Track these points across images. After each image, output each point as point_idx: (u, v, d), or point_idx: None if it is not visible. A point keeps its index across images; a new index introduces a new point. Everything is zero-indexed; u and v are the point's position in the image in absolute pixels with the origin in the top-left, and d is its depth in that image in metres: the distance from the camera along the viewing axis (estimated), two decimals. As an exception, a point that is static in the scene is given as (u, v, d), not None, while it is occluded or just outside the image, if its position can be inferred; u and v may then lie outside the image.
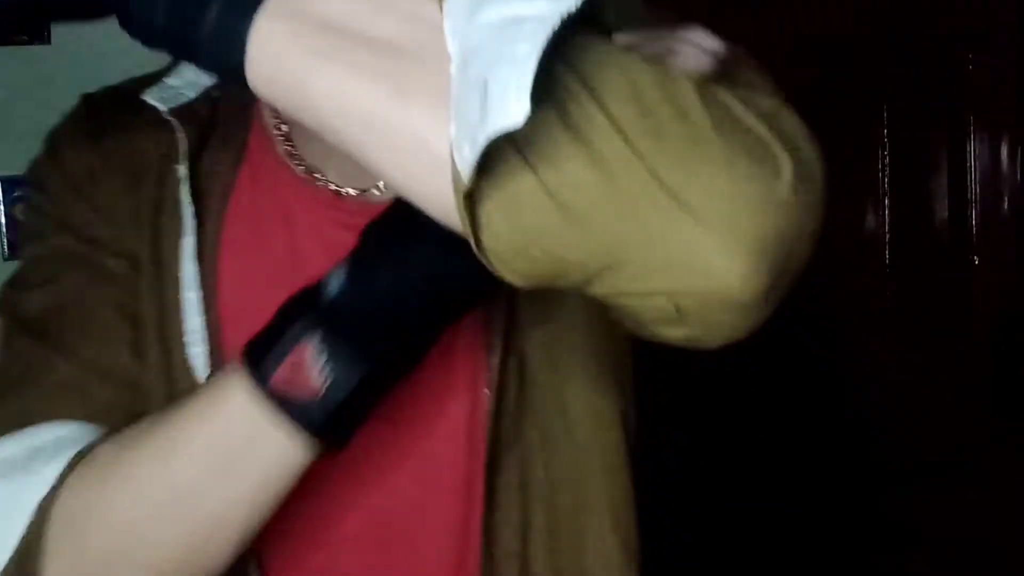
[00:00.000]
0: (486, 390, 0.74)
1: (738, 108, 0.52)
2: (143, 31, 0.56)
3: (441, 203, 0.51)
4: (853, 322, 2.32)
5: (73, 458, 0.67)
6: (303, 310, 0.63)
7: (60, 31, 2.07)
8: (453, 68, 0.51)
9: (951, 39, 2.28)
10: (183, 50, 0.56)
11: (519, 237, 0.50)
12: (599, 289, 0.52)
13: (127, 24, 0.56)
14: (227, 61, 0.54)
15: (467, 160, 0.49)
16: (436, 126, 0.51)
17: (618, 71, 0.50)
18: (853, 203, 2.30)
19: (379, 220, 0.64)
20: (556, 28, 0.49)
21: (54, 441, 0.69)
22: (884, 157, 2.34)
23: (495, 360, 0.73)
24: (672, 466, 1.87)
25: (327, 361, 0.61)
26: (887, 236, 2.34)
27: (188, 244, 0.74)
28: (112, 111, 0.80)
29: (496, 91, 0.49)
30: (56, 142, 0.79)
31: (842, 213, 2.27)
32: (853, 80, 2.29)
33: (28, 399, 0.72)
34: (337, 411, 0.62)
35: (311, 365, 0.61)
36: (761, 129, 0.51)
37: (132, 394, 0.74)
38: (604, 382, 0.78)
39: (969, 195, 2.31)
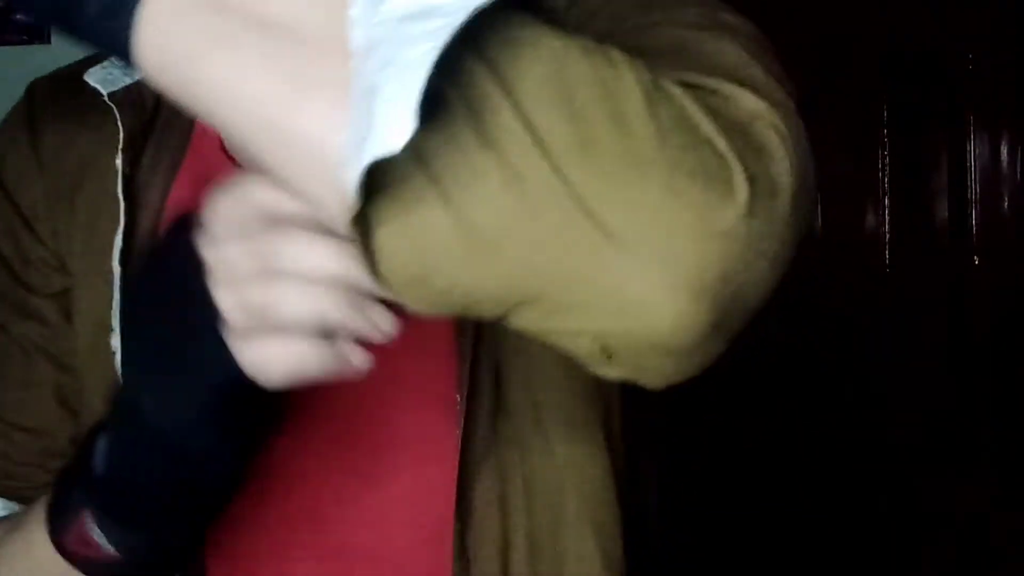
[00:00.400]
0: (457, 396, 0.68)
1: (695, 113, 0.43)
2: (26, 4, 0.51)
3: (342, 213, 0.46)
4: (853, 322, 2.32)
5: None
6: (79, 478, 0.60)
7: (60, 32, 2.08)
8: (352, 65, 0.44)
9: (951, 39, 2.28)
10: (70, 26, 0.49)
11: (419, 267, 0.43)
12: (517, 323, 0.45)
13: None
14: (115, 41, 0.48)
15: (352, 180, 0.43)
16: (333, 126, 0.44)
17: (544, 64, 0.41)
18: (853, 203, 2.30)
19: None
20: (466, 23, 0.42)
21: None
22: (884, 157, 2.33)
23: (466, 368, 0.68)
24: (669, 470, 1.87)
25: (107, 535, 0.59)
26: (887, 236, 2.34)
27: (118, 241, 0.70)
28: (54, 99, 0.76)
29: (383, 102, 0.42)
30: None
31: (842, 213, 2.27)
32: (853, 80, 2.29)
33: None
34: (146, 567, 0.61)
35: (95, 536, 0.59)
36: (719, 142, 0.43)
37: (42, 445, 0.73)
38: (584, 394, 0.72)
39: (969, 195, 2.31)
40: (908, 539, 2.28)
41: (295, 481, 0.70)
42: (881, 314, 2.32)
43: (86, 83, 0.73)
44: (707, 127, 0.43)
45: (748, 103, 0.46)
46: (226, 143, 0.73)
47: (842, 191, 2.26)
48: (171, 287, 0.53)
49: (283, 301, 0.50)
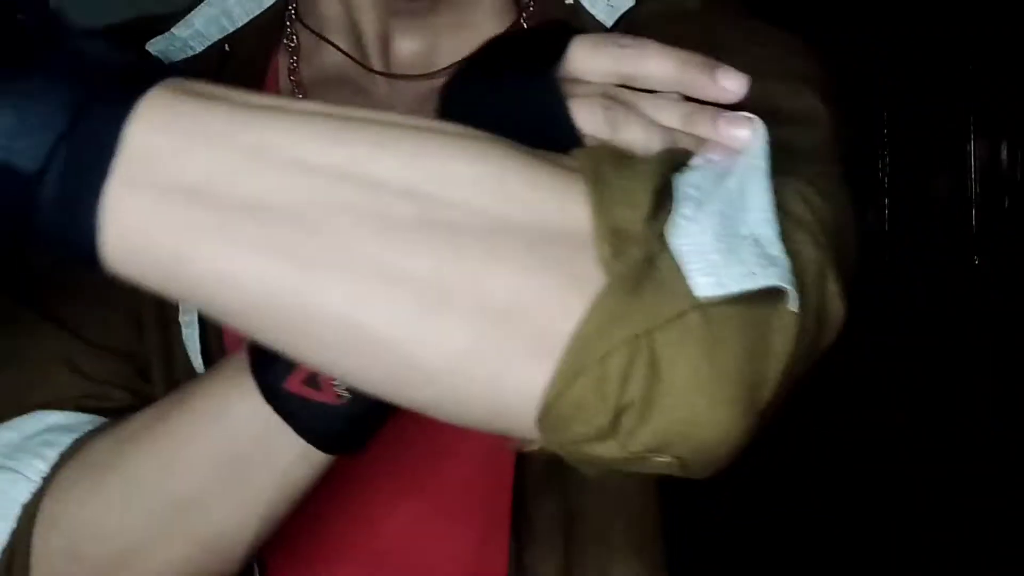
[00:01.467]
0: None
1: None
2: None
3: (395, 387, 0.46)
4: (853, 322, 2.31)
5: (62, 456, 0.63)
6: None
7: (60, 31, 2.08)
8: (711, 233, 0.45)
9: (951, 39, 2.28)
10: (16, 235, 0.44)
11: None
12: (607, 449, 0.46)
13: None
14: (75, 244, 0.43)
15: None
16: (362, 301, 0.43)
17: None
18: (853, 203, 2.30)
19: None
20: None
21: (41, 432, 0.65)
22: (884, 157, 2.33)
23: None
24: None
25: None
26: (887, 236, 2.34)
27: None
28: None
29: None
30: None
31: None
32: (853, 80, 2.29)
33: (16, 373, 0.67)
34: (360, 416, 0.57)
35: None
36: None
37: (130, 368, 0.69)
38: None
39: (969, 195, 2.31)
40: (908, 539, 2.28)
41: (351, 486, 0.70)
42: (881, 314, 2.32)
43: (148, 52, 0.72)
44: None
45: (809, 253, 0.48)
46: None
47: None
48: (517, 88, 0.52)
49: (627, 133, 0.50)
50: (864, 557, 2.29)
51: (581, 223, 0.44)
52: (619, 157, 0.47)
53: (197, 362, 0.69)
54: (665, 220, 0.44)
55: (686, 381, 0.43)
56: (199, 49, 0.74)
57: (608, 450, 0.45)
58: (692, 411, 0.44)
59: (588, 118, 0.50)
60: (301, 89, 0.75)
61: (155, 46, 0.73)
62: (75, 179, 0.42)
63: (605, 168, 0.46)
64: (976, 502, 2.25)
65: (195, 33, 0.75)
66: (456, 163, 0.44)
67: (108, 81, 0.43)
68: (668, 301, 0.43)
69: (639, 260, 0.43)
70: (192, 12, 0.76)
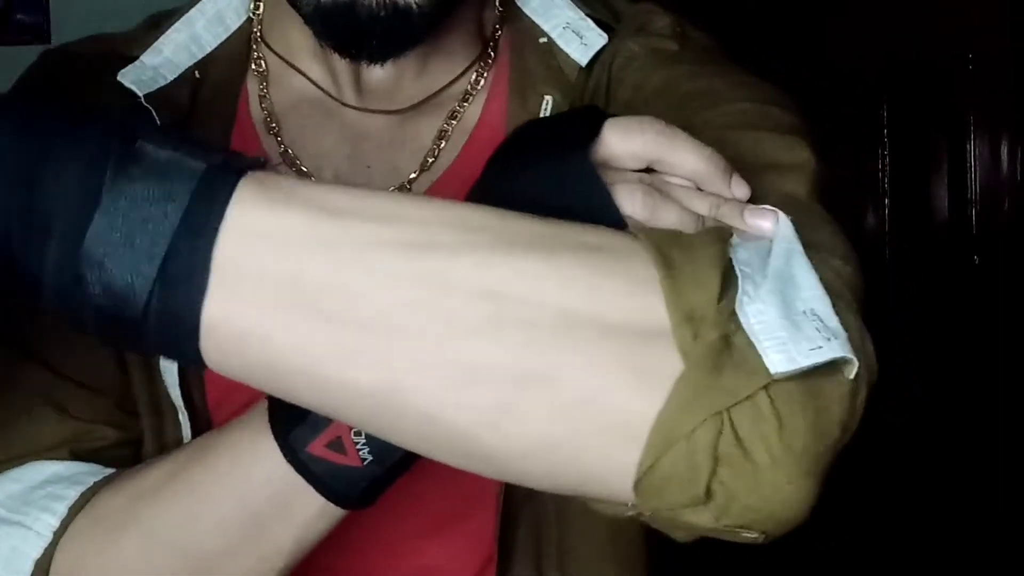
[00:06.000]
0: None
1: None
2: (69, 318, 0.47)
3: (484, 470, 0.50)
4: (853, 322, 2.32)
5: (70, 509, 0.63)
6: None
7: (60, 31, 2.08)
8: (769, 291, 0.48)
9: (951, 39, 2.28)
10: (122, 341, 0.48)
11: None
12: (692, 517, 0.49)
13: (43, 305, 0.47)
14: (177, 351, 0.47)
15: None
16: (445, 401, 0.46)
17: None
18: (853, 203, 2.30)
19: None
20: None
21: (44, 483, 0.65)
22: (884, 157, 2.34)
23: None
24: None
25: (370, 440, 0.57)
26: (887, 236, 2.34)
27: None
28: (78, 87, 0.74)
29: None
30: None
31: (842, 213, 2.27)
32: (853, 80, 2.29)
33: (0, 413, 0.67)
34: (381, 475, 0.59)
35: (351, 437, 0.57)
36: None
37: (115, 404, 0.70)
38: None
39: (969, 195, 2.31)
40: (907, 539, 2.28)
41: (384, 510, 0.70)
42: (881, 313, 2.32)
43: (120, 83, 0.72)
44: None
45: (851, 321, 0.51)
46: (266, 146, 0.73)
47: (842, 191, 2.26)
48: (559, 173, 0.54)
49: (665, 218, 0.52)
50: (859, 563, 2.29)
51: (652, 310, 0.47)
52: (678, 237, 0.49)
53: (175, 394, 0.70)
54: (732, 299, 0.47)
55: (764, 459, 0.46)
56: (171, 78, 0.74)
57: (702, 519, 0.47)
58: (773, 488, 0.47)
59: (628, 202, 0.52)
60: (273, 117, 0.75)
61: (127, 77, 0.72)
62: (174, 293, 0.45)
63: (673, 252, 0.48)
64: (976, 502, 2.25)
65: (165, 61, 0.74)
66: (526, 262, 0.47)
67: (198, 193, 0.46)
68: (746, 379, 0.46)
69: (716, 341, 0.46)
70: (160, 39, 0.75)
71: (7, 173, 0.45)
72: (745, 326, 0.46)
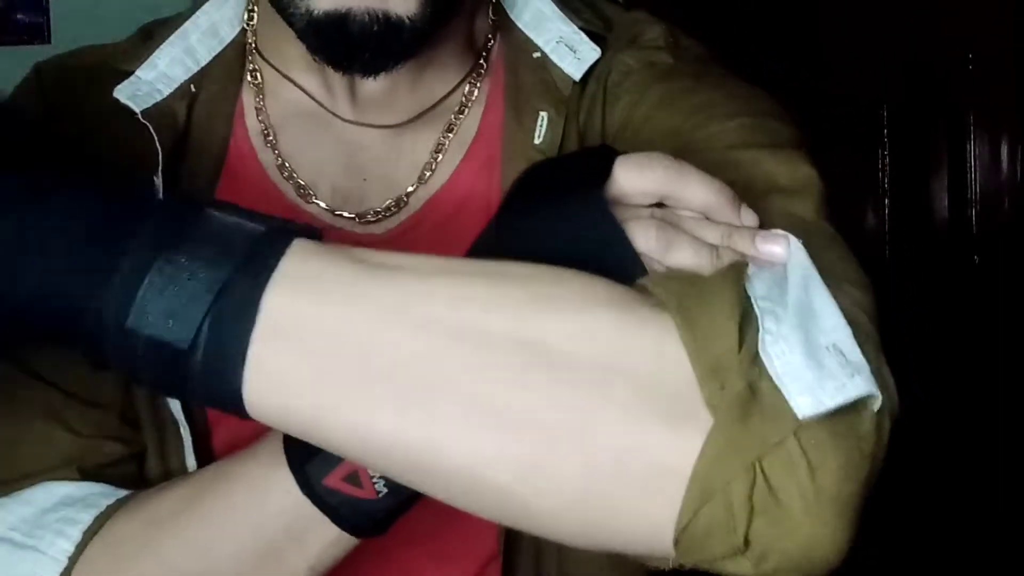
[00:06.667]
0: None
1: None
2: (127, 370, 0.50)
3: (523, 525, 0.50)
4: (853, 322, 2.32)
5: (85, 533, 0.63)
6: None
7: (60, 31, 2.08)
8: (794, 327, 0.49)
9: (951, 39, 2.28)
10: (167, 384, 0.50)
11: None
12: (741, 567, 0.50)
13: (101, 364, 0.50)
14: (221, 401, 0.49)
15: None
16: (483, 455, 0.48)
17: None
18: (853, 203, 2.30)
19: None
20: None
21: (56, 506, 0.65)
22: (884, 157, 2.34)
23: None
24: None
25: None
26: (887, 236, 2.34)
27: None
28: (73, 100, 0.74)
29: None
30: None
31: (842, 213, 2.27)
32: (853, 80, 2.29)
33: (4, 431, 0.67)
34: (396, 506, 0.60)
35: (367, 471, 0.58)
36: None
37: (119, 419, 0.70)
38: None
39: (969, 195, 2.31)
40: (906, 539, 2.28)
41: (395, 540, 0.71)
42: (881, 314, 2.32)
43: (117, 100, 0.72)
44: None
45: (870, 351, 0.53)
46: (263, 160, 0.74)
47: (842, 191, 2.26)
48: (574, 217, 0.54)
49: (679, 252, 0.53)
50: (859, 563, 2.29)
51: (680, 364, 0.48)
52: (694, 283, 0.50)
53: (176, 408, 0.70)
54: (753, 340, 0.48)
55: (798, 505, 0.47)
56: (167, 93, 0.74)
57: (741, 567, 0.48)
58: (809, 533, 0.48)
59: (643, 238, 0.53)
60: (269, 128, 0.75)
61: (123, 93, 0.72)
62: (221, 346, 0.47)
63: (688, 303, 0.49)
64: (976, 502, 2.25)
65: (160, 75, 0.74)
66: (557, 321, 0.48)
67: (247, 253, 0.48)
68: (774, 426, 0.47)
69: (742, 391, 0.47)
70: (155, 53, 0.75)
71: (69, 229, 0.47)
72: (769, 369, 0.47)
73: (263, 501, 0.60)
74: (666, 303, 0.49)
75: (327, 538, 0.60)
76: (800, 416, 0.46)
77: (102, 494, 0.66)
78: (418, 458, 0.48)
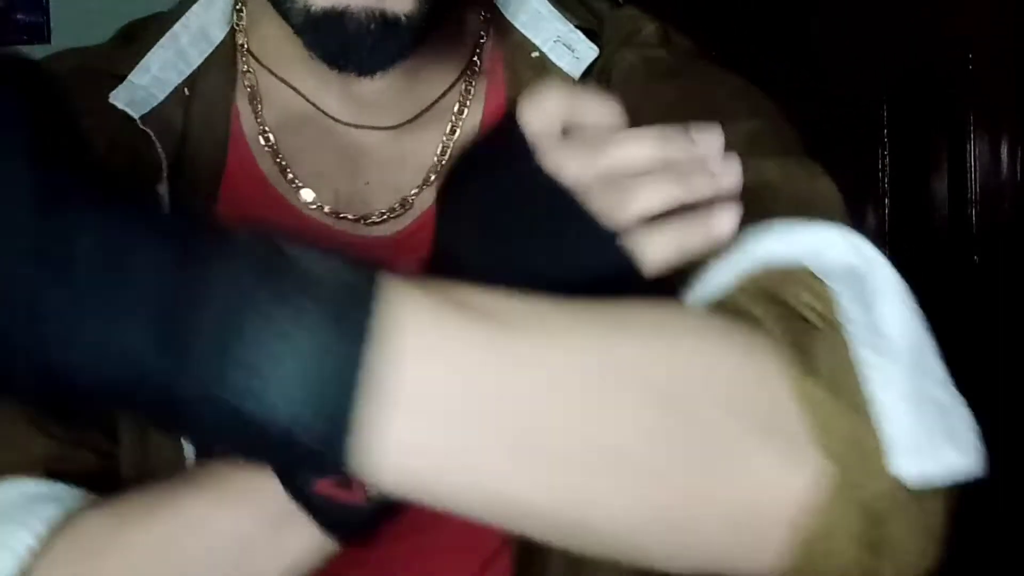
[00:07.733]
0: None
1: None
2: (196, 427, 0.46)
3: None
4: (853, 322, 2.31)
5: (51, 527, 0.61)
6: None
7: (60, 31, 2.08)
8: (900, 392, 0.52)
9: (951, 40, 2.28)
10: (264, 449, 0.46)
11: None
12: None
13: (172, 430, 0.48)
14: (336, 470, 0.45)
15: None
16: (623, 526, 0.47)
17: None
18: (853, 203, 2.30)
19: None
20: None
21: (21, 501, 0.63)
22: (884, 157, 2.33)
23: None
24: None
25: None
26: (887, 236, 2.34)
27: None
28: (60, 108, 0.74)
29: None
30: None
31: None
32: (853, 80, 2.29)
33: None
34: (383, 510, 0.57)
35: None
36: None
37: (99, 430, 0.68)
38: None
39: (969, 195, 2.31)
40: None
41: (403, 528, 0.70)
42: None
43: (111, 105, 0.71)
44: None
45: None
46: (262, 164, 0.73)
47: (842, 191, 2.26)
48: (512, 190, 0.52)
49: (633, 199, 0.51)
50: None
51: (788, 404, 0.48)
52: (808, 332, 0.51)
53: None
54: (851, 370, 0.50)
55: (905, 543, 0.51)
56: (162, 97, 0.73)
57: None
58: (912, 570, 0.53)
59: (597, 201, 0.51)
60: (267, 132, 0.74)
61: (119, 98, 0.71)
62: (332, 417, 0.43)
63: (803, 339, 0.50)
64: (976, 502, 2.24)
65: (154, 80, 0.73)
66: (676, 374, 0.47)
67: (346, 312, 0.43)
68: (876, 477, 0.49)
69: (847, 436, 0.48)
70: (146, 56, 0.74)
71: (139, 282, 0.41)
72: (874, 423, 0.49)
73: (243, 496, 0.58)
74: (774, 343, 0.50)
75: (308, 542, 0.58)
76: (908, 482, 0.50)
77: (71, 496, 0.64)
78: (554, 518, 0.47)
